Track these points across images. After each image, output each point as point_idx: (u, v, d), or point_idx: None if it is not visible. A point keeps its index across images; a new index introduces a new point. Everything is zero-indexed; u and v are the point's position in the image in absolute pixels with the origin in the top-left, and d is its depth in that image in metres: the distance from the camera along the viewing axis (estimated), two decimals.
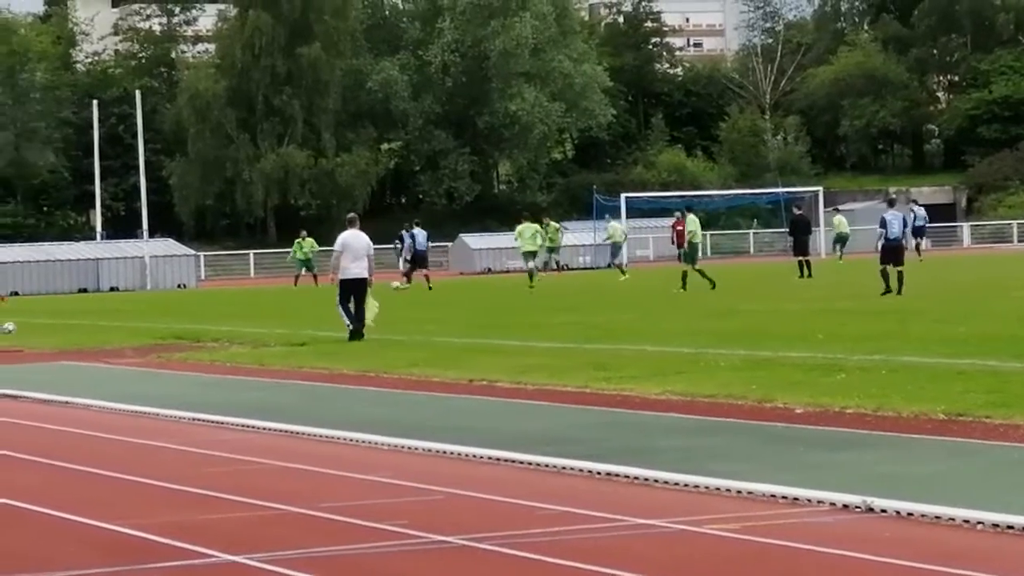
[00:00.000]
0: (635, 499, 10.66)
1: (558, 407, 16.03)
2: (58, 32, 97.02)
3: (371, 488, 11.59)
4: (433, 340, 25.32)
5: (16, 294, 59.61)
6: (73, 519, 10.58)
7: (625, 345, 22.66)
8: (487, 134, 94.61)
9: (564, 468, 12.00)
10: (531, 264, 48.50)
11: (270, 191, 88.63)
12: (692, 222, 42.90)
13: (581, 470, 11.85)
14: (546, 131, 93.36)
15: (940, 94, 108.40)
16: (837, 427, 13.67)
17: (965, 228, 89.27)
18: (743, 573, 8.49)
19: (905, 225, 35.26)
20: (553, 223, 60.01)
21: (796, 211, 51.12)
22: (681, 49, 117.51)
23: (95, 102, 73.76)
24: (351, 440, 14.18)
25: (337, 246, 26.82)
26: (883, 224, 34.62)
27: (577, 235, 72.32)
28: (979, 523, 9.31)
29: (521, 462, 12.37)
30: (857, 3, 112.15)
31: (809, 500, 10.23)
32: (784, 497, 10.39)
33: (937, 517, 9.52)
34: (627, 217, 72.78)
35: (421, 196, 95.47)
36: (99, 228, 73.47)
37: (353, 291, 26.32)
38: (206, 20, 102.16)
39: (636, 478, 11.40)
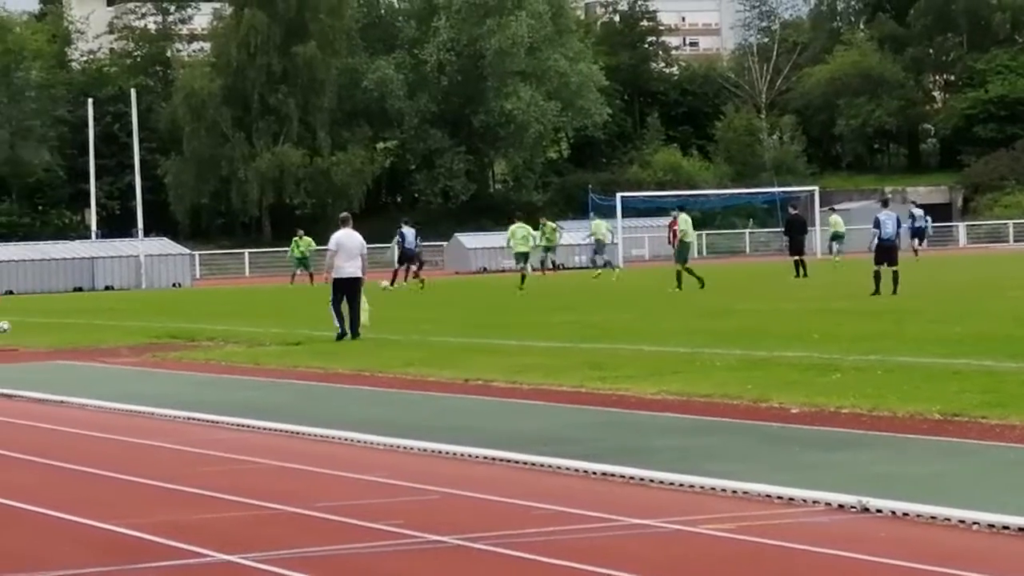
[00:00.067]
0: (631, 499, 10.66)
1: (554, 407, 16.02)
2: (53, 30, 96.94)
3: (367, 488, 11.58)
4: (429, 339, 25.31)
5: (11, 293, 59.58)
6: (68, 518, 10.57)
7: (621, 345, 22.66)
8: (483, 133, 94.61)
9: (560, 468, 11.99)
10: (522, 265, 48.57)
11: (265, 190, 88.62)
12: (684, 221, 42.95)
13: (577, 470, 11.84)
14: (542, 130, 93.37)
15: (936, 93, 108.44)
16: (833, 427, 13.67)
17: (961, 228, 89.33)
18: (738, 573, 8.49)
19: (899, 225, 35.27)
20: (550, 223, 60.05)
21: (792, 211, 51.13)
22: (677, 48, 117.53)
23: (90, 100, 73.68)
24: (347, 440, 14.17)
25: (331, 245, 26.86)
26: (877, 224, 34.64)
27: (573, 234, 72.28)
28: (975, 523, 9.31)
29: (517, 462, 12.36)
30: (853, 2, 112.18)
31: (805, 500, 10.23)
32: (780, 497, 10.38)
33: (933, 517, 9.52)
34: (623, 216, 72.87)
35: (417, 195, 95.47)
36: (94, 227, 73.39)
37: (346, 290, 26.36)
38: (201, 19, 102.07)
39: (632, 478, 11.39)
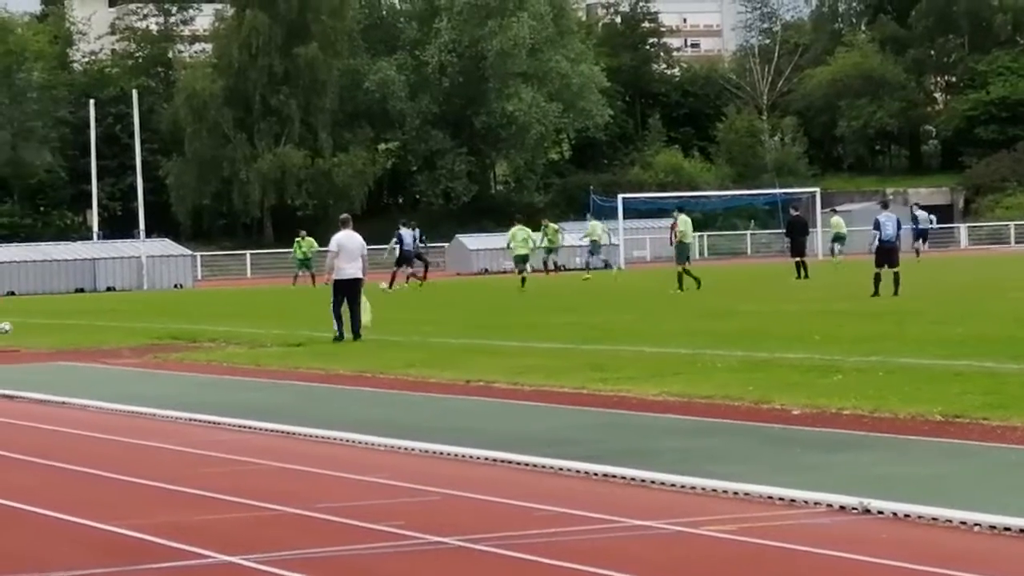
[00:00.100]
0: (632, 500, 10.66)
1: (555, 408, 16.02)
2: (55, 31, 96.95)
3: (368, 489, 11.58)
4: (430, 341, 25.31)
5: (13, 294, 59.58)
6: (69, 519, 10.57)
7: (622, 346, 22.65)
8: (484, 134, 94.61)
9: (561, 469, 11.99)
10: (522, 267, 48.62)
11: (267, 191, 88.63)
12: (683, 222, 42.98)
13: (578, 471, 11.84)
14: (543, 131, 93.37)
15: (937, 95, 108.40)
16: (834, 428, 13.67)
17: (962, 229, 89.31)
18: (740, 575, 8.49)
19: (899, 227, 35.23)
20: (552, 224, 60.09)
21: (793, 212, 51.13)
22: (678, 50, 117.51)
23: (92, 102, 73.70)
24: (348, 441, 14.17)
25: (332, 247, 26.90)
26: (877, 226, 34.64)
27: (573, 235, 72.28)
28: (976, 525, 9.30)
29: (518, 463, 12.36)
30: (855, 4, 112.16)
31: (806, 502, 10.23)
32: (781, 499, 10.38)
33: (934, 519, 9.52)
34: (624, 218, 72.88)
35: (418, 196, 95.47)
36: (96, 228, 73.42)
37: (347, 291, 26.42)
38: (203, 20, 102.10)
39: (633, 479, 11.39)
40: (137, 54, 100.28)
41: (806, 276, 45.39)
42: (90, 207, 76.30)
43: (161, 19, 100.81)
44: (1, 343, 29.26)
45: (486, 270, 70.44)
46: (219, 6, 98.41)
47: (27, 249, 66.46)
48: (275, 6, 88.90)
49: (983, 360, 18.12)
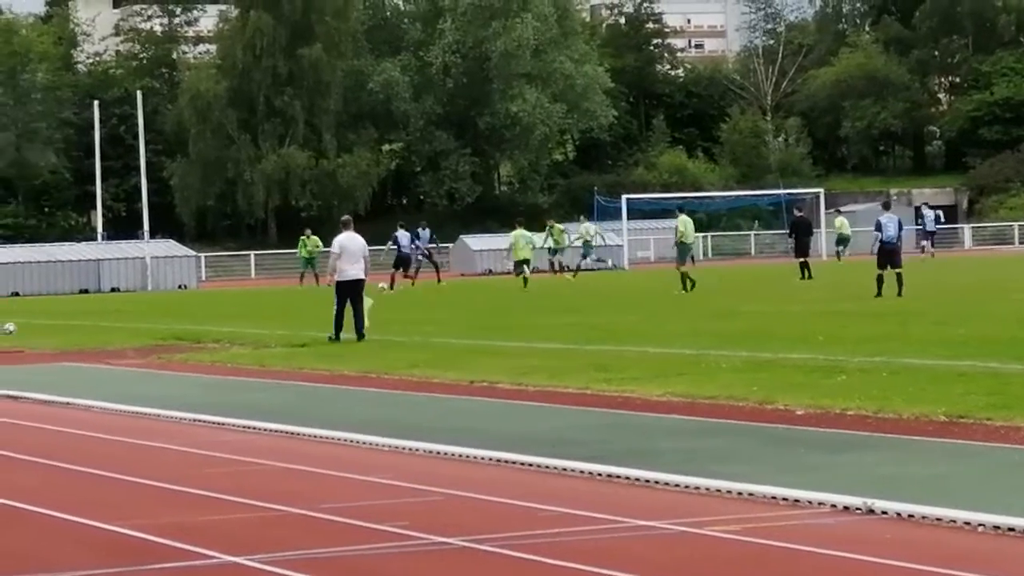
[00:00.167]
0: (636, 501, 10.66)
1: (559, 408, 16.02)
2: (59, 33, 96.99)
3: (371, 489, 11.58)
4: (434, 341, 25.32)
5: (17, 295, 59.61)
6: (73, 520, 10.58)
7: (626, 346, 22.65)
8: (488, 135, 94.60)
9: (565, 469, 11.99)
10: (522, 270, 48.70)
11: (271, 192, 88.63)
12: (683, 223, 42.98)
13: (582, 471, 11.84)
14: (547, 132, 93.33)
15: (941, 95, 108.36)
16: (838, 429, 13.67)
17: (966, 230, 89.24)
18: (744, 575, 8.49)
19: (901, 228, 35.13)
20: (557, 225, 60.14)
21: (797, 212, 51.12)
22: (682, 50, 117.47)
23: (96, 103, 73.74)
24: (351, 441, 14.18)
25: (335, 248, 27.02)
26: (878, 227, 34.58)
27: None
28: (980, 525, 9.30)
29: (522, 463, 12.36)
30: (858, 4, 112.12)
31: (810, 502, 10.23)
32: (785, 499, 10.38)
33: (938, 519, 9.52)
34: (628, 218, 72.89)
35: (422, 197, 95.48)
36: (100, 229, 73.45)
37: (350, 293, 26.57)
38: (207, 21, 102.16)
39: (637, 480, 11.39)
40: (141, 55, 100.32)
41: (810, 277, 45.37)
42: (94, 208, 76.34)
43: (165, 20, 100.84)
44: (5, 344, 29.29)
45: (490, 271, 70.40)
46: (223, 7, 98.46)
47: (31, 250, 66.49)
48: (279, 7, 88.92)
49: (987, 361, 18.11)
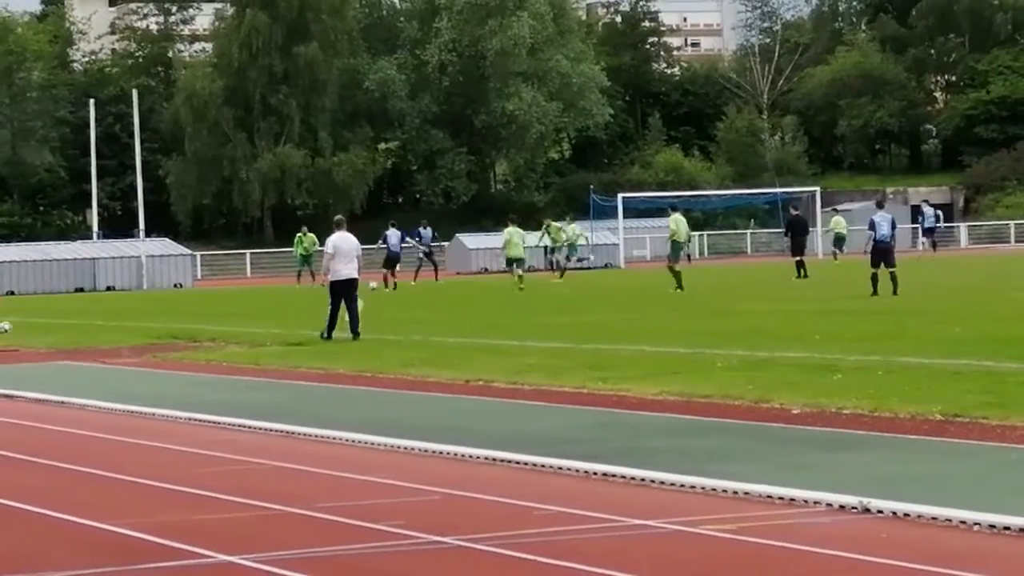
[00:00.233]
0: (632, 500, 10.65)
1: (555, 407, 16.02)
2: (55, 31, 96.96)
3: (368, 488, 11.58)
4: (430, 340, 25.32)
5: (12, 293, 59.58)
6: (69, 519, 10.57)
7: (622, 345, 22.65)
8: (484, 134, 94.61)
9: (561, 468, 11.99)
10: (515, 267, 48.74)
11: (267, 190, 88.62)
12: (674, 221, 42.93)
13: (578, 471, 11.84)
14: (543, 131, 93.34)
15: (938, 94, 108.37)
16: (834, 428, 13.67)
17: (962, 228, 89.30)
18: (740, 574, 8.48)
19: (894, 227, 35.07)
20: (555, 223, 60.15)
21: (793, 211, 51.11)
22: (679, 49, 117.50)
23: (92, 101, 73.65)
24: (347, 440, 14.17)
25: (328, 248, 27.12)
26: (872, 226, 34.54)
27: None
28: (976, 524, 9.30)
29: (518, 462, 12.36)
30: (855, 3, 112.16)
31: (806, 501, 10.22)
32: (781, 498, 10.38)
33: (934, 518, 9.52)
34: (624, 217, 72.89)
35: (418, 196, 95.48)
36: (96, 227, 73.37)
37: (344, 292, 26.65)
38: (203, 19, 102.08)
39: (633, 479, 11.39)
40: (137, 54, 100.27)
41: (806, 275, 45.38)
42: (90, 207, 76.25)
43: (161, 19, 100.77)
44: (1, 342, 29.26)
45: (486, 269, 70.39)
46: (219, 6, 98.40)
47: (27, 248, 66.41)
48: (275, 5, 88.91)
49: (983, 359, 18.12)
